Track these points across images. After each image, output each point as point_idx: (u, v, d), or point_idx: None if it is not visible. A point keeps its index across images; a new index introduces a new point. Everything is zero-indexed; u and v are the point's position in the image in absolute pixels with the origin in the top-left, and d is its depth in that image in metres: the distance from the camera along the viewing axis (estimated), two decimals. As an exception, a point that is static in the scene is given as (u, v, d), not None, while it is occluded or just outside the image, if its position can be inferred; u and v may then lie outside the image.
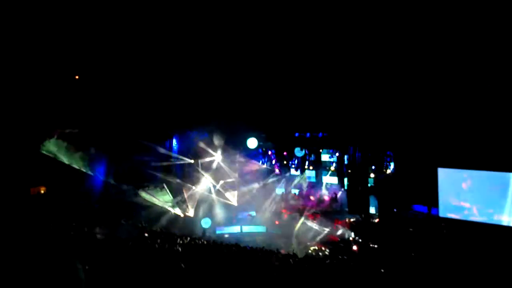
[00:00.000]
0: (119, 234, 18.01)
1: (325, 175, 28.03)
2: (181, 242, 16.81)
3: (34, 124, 21.21)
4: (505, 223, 17.11)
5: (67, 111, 22.12)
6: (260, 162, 29.58)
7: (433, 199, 19.54)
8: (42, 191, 22.29)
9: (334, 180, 27.22)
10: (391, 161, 22.72)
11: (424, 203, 20.27)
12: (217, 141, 26.86)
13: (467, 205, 18.50)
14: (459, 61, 16.39)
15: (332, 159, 27.81)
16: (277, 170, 29.32)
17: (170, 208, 25.53)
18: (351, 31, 17.29)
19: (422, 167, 19.93)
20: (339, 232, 23.37)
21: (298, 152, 27.49)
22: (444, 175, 19.35)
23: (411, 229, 20.03)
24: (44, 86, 20.98)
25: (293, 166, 28.92)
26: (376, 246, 20.40)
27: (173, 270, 9.28)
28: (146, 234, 20.40)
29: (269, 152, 29.53)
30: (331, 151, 27.53)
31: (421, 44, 16.51)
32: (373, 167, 23.43)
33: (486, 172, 17.78)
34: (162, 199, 25.48)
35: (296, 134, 27.59)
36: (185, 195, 26.50)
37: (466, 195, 18.54)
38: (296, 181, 29.06)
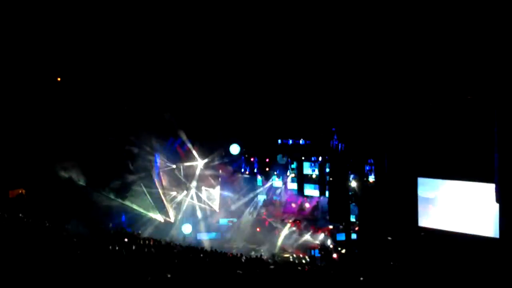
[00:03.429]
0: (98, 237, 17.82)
1: (307, 187, 27.82)
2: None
3: (12, 127, 20.97)
4: (485, 234, 17.27)
5: (47, 114, 21.91)
6: (243, 169, 29.54)
7: (413, 208, 19.71)
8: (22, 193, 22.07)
9: (316, 192, 27.05)
10: (371, 170, 22.87)
11: (403, 212, 20.42)
12: (199, 147, 26.77)
13: (446, 214, 18.69)
14: (440, 73, 16.65)
15: (313, 168, 27.80)
16: (259, 177, 29.32)
17: (150, 213, 25.37)
18: (333, 39, 17.49)
19: (403, 176, 20.10)
20: (320, 239, 23.46)
21: (280, 159, 27.44)
22: (424, 184, 19.55)
23: (389, 238, 20.17)
24: (23, 88, 20.77)
25: (275, 173, 28.91)
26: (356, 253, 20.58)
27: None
28: (126, 239, 20.20)
29: (252, 159, 29.52)
30: (312, 159, 27.52)
31: (402, 54, 16.75)
32: (354, 176, 23.56)
33: (466, 183, 17.96)
34: (142, 204, 25.30)
35: (279, 142, 27.64)
36: (166, 200, 26.35)
37: (445, 205, 18.74)
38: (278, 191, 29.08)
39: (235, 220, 27.03)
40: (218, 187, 27.66)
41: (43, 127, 22.07)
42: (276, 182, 28.92)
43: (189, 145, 26.64)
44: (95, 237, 16.06)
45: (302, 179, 27.66)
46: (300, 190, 27.68)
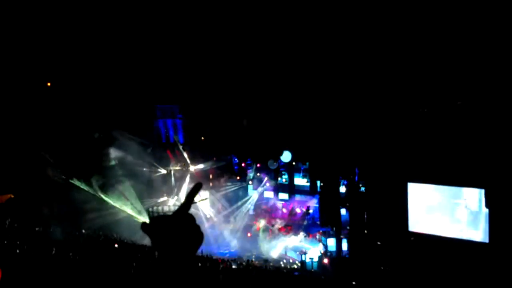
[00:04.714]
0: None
1: (297, 196, 27.90)
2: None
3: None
4: (474, 239, 17.36)
5: (35, 117, 21.77)
6: (235, 173, 29.56)
7: (403, 213, 19.77)
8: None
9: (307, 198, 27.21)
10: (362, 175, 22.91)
11: (393, 217, 20.48)
12: (191, 151, 26.73)
13: (436, 220, 18.77)
14: (428, 77, 16.78)
15: (303, 176, 27.90)
16: (250, 182, 29.32)
17: (139, 217, 25.16)
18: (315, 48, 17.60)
19: (393, 181, 20.17)
20: (309, 245, 23.48)
21: (271, 164, 27.44)
22: (414, 189, 19.64)
23: (379, 243, 20.20)
24: (10, 93, 20.64)
25: (266, 178, 28.91)
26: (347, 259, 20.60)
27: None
28: (116, 245, 20.04)
29: (243, 164, 29.50)
30: (301, 168, 27.59)
31: (398, 58, 16.86)
32: (344, 182, 23.61)
33: (456, 188, 18.07)
34: (131, 208, 25.04)
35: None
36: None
37: (435, 210, 18.83)
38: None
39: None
40: (208, 193, 27.61)
41: (31, 131, 21.91)
42: (267, 193, 28.87)
43: (180, 150, 26.61)
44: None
45: (293, 189, 27.77)
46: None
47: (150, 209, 1.90)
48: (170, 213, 1.87)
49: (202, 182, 2.07)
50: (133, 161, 25.09)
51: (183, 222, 1.83)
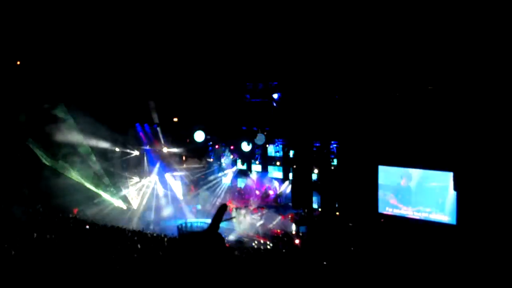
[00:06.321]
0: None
1: (271, 169, 28.11)
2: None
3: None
4: (443, 221, 17.83)
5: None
6: (211, 157, 29.50)
7: (373, 195, 20.13)
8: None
9: (280, 175, 27.45)
10: (334, 158, 23.11)
11: (364, 199, 20.82)
12: (163, 133, 26.49)
13: (405, 202, 19.19)
14: (399, 60, 16.90)
15: (278, 154, 27.99)
16: (224, 163, 29.32)
17: (112, 200, 24.95)
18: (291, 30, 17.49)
19: (364, 164, 20.46)
20: (282, 226, 23.73)
21: (260, 139, 26.72)
22: (385, 172, 19.99)
23: (350, 224, 20.57)
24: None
25: (240, 160, 28.96)
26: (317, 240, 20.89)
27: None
28: (88, 227, 19.85)
29: (217, 146, 29.42)
30: (277, 143, 27.58)
31: (370, 43, 16.91)
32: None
33: (425, 171, 18.47)
34: (100, 187, 24.77)
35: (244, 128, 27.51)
36: (128, 186, 26.01)
37: (405, 192, 19.24)
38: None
39: (199, 206, 26.98)
40: (181, 173, 27.54)
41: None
42: (240, 165, 28.89)
43: (154, 131, 26.36)
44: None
45: (266, 161, 27.78)
46: (265, 171, 27.86)
47: (180, 226, 1.97)
48: (200, 230, 1.91)
49: (226, 204, 2.12)
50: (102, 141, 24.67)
51: (212, 242, 1.86)
